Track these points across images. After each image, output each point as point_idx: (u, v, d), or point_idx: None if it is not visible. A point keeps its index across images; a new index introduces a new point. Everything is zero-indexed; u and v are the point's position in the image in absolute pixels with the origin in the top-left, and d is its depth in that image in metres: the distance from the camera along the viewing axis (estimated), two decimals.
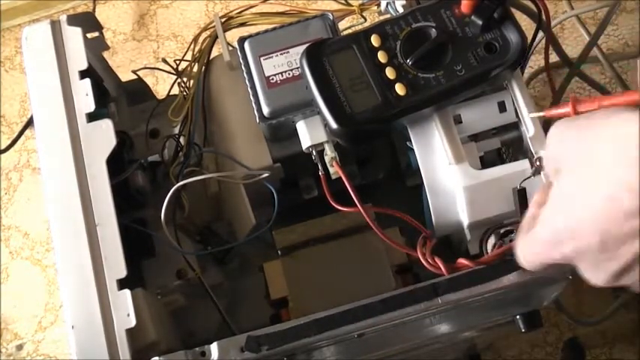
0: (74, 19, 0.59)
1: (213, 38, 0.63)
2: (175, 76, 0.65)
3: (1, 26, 1.32)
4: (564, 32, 1.12)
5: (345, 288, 0.56)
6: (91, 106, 0.55)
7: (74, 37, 0.58)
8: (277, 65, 0.56)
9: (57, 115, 0.55)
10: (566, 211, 0.36)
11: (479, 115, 0.54)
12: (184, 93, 0.64)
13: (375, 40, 0.53)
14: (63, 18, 0.58)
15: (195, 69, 0.63)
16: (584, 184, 0.35)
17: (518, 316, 0.58)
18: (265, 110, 0.55)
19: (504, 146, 0.55)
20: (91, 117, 0.55)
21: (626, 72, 1.06)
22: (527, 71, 1.02)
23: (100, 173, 0.53)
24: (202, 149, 0.61)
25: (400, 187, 0.67)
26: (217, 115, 0.61)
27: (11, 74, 1.30)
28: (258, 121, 0.56)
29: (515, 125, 0.54)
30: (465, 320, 0.60)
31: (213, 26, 0.63)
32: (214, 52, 0.64)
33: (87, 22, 0.61)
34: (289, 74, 0.56)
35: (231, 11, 0.64)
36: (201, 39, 0.63)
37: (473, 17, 0.52)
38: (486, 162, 0.54)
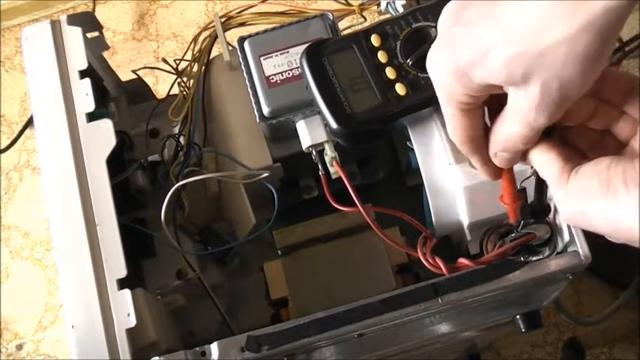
0: (74, 19, 0.59)
1: (213, 38, 0.63)
2: (175, 76, 0.65)
3: (1, 26, 1.32)
4: None
5: (345, 288, 0.56)
6: (91, 106, 0.55)
7: (74, 37, 0.58)
8: (277, 65, 0.56)
9: (57, 115, 0.55)
10: None
11: None
12: (184, 93, 0.64)
13: (375, 40, 0.53)
14: (63, 18, 0.58)
15: (195, 69, 0.63)
16: None
17: (518, 316, 0.58)
18: (265, 110, 0.55)
19: None
20: (91, 117, 0.55)
21: (626, 72, 1.06)
22: None
23: (100, 173, 0.53)
24: (202, 149, 0.61)
25: (400, 187, 0.67)
26: (217, 114, 0.61)
27: (11, 74, 1.30)
28: (258, 121, 0.56)
29: None
30: (465, 320, 0.60)
31: (213, 26, 0.63)
32: (214, 52, 0.64)
33: (87, 21, 0.61)
34: (289, 74, 0.56)
35: (231, 11, 0.64)
36: (201, 39, 0.63)
37: None
38: None
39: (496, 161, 0.40)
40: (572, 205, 0.35)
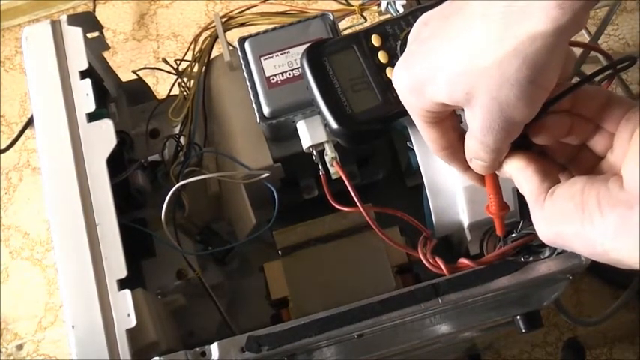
0: (74, 19, 0.59)
1: (214, 38, 0.63)
2: (176, 76, 0.65)
3: (1, 26, 1.32)
4: None
5: (345, 288, 0.56)
6: (91, 106, 0.55)
7: (74, 37, 0.58)
8: (277, 65, 0.56)
9: (57, 115, 0.55)
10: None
11: None
12: (184, 93, 0.64)
13: (375, 40, 0.53)
14: (63, 18, 0.58)
15: (195, 69, 0.63)
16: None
17: (518, 316, 0.58)
18: (265, 110, 0.55)
19: None
20: (92, 117, 0.55)
21: (627, 72, 1.06)
22: None
23: (100, 173, 0.53)
24: (202, 149, 0.61)
25: (400, 187, 0.67)
26: (217, 115, 0.62)
27: (11, 74, 1.30)
28: (258, 121, 0.56)
29: None
30: (465, 320, 0.60)
31: (214, 26, 0.63)
32: (214, 52, 0.64)
33: (87, 22, 0.61)
34: (289, 74, 0.56)
35: (232, 11, 0.64)
36: (201, 39, 0.63)
37: None
38: None
39: (472, 167, 0.40)
40: (549, 226, 0.35)
